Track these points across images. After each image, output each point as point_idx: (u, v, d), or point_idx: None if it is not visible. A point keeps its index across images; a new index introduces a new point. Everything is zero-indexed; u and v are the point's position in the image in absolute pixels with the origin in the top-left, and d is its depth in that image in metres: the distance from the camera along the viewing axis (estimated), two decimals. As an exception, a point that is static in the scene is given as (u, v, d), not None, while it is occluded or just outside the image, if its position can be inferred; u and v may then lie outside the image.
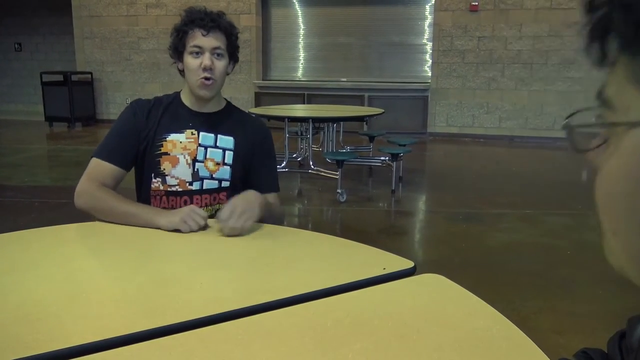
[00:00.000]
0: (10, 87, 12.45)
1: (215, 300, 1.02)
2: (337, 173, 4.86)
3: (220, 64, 1.64)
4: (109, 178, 1.60)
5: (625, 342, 0.66)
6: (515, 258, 3.49)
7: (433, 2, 8.62)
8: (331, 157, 5.07)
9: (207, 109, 1.71)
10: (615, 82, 0.39)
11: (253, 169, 1.74)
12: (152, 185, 1.67)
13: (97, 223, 1.51)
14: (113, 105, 10.28)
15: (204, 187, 1.67)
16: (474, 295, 1.04)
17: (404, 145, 5.53)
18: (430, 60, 8.81)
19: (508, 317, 0.96)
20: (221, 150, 1.69)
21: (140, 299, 1.03)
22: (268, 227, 1.49)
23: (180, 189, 1.65)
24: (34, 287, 1.07)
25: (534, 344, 0.86)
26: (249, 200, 1.48)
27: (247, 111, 1.86)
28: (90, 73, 10.12)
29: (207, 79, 1.62)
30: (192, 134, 1.67)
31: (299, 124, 6.42)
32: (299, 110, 6.78)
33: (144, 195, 1.70)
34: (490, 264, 3.37)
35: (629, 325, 0.69)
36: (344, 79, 9.20)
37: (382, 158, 5.85)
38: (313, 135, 5.95)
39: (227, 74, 1.70)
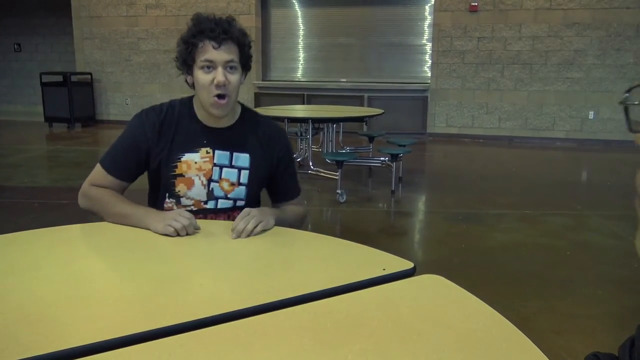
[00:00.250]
0: (9, 87, 12.46)
1: (215, 301, 1.02)
2: (337, 173, 4.86)
3: (234, 78, 1.55)
4: (110, 188, 1.59)
5: (636, 348, 0.65)
6: (514, 258, 3.49)
7: (433, 2, 8.63)
8: (331, 157, 5.08)
9: (222, 123, 1.63)
10: None
11: (274, 179, 1.72)
12: (165, 205, 1.64)
13: (96, 224, 1.51)
14: (113, 105, 10.29)
15: (219, 207, 1.64)
16: (473, 296, 1.04)
17: (404, 146, 5.53)
18: (430, 61, 8.81)
19: (507, 318, 0.96)
20: (236, 170, 1.63)
21: (140, 300, 1.03)
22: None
23: (195, 209, 1.62)
24: (33, 288, 1.07)
25: (533, 344, 0.86)
26: (263, 211, 1.49)
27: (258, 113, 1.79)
28: (90, 74, 10.13)
29: (220, 96, 1.53)
30: (207, 152, 1.61)
31: (298, 124, 6.43)
32: (299, 110, 6.78)
33: (157, 206, 1.67)
34: (489, 265, 3.37)
35: (638, 332, 0.68)
36: (344, 80, 9.21)
37: (381, 158, 5.85)
38: (313, 135, 5.95)
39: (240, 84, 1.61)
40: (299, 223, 1.73)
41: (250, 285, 1.14)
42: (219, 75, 1.51)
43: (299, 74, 9.53)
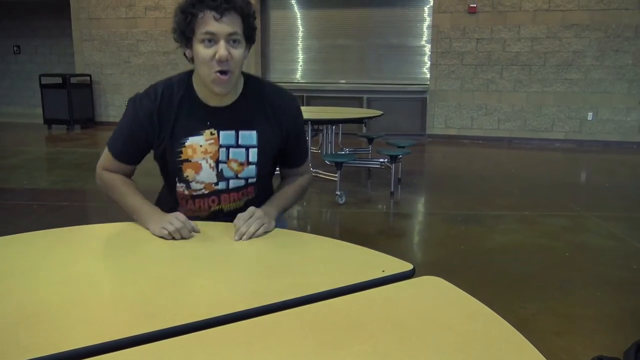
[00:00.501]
0: (9, 89, 12.46)
1: (215, 302, 1.02)
2: (336, 175, 4.87)
3: (237, 53, 1.43)
4: (120, 171, 1.61)
5: None
6: (513, 260, 3.49)
7: (431, 4, 8.64)
8: (330, 159, 5.08)
9: (225, 101, 1.54)
10: None
11: (285, 149, 1.65)
12: (177, 189, 1.62)
13: (96, 226, 1.52)
14: (112, 107, 10.29)
15: (230, 187, 1.59)
16: (472, 297, 1.04)
17: (403, 147, 5.54)
18: (429, 62, 8.82)
19: (507, 319, 0.96)
20: (244, 149, 1.56)
21: (140, 302, 1.04)
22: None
23: (207, 192, 1.59)
24: (33, 290, 1.07)
25: (532, 345, 0.87)
26: (267, 212, 1.48)
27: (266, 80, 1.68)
28: (89, 75, 10.13)
29: (222, 72, 1.42)
30: (212, 134, 1.53)
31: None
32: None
33: (169, 189, 1.66)
34: (489, 266, 3.37)
35: None
36: (343, 81, 9.21)
37: (380, 160, 5.85)
38: (312, 137, 5.95)
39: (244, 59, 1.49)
40: (302, 195, 1.73)
41: (250, 287, 1.14)
42: (221, 49, 1.40)
43: (298, 75, 9.53)
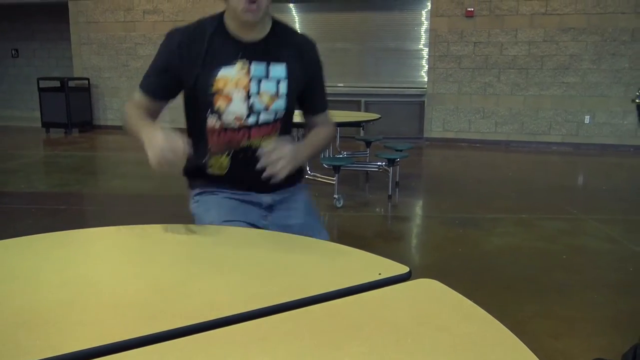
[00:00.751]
0: (7, 93, 12.47)
1: (213, 305, 1.03)
2: (334, 178, 4.88)
3: None
4: (150, 109, 1.64)
5: (639, 357, 0.66)
6: (511, 262, 3.50)
7: (429, 8, 8.67)
8: (328, 162, 5.09)
9: (255, 35, 1.62)
10: None
11: (306, 91, 1.75)
12: (208, 123, 1.65)
13: (94, 229, 1.52)
14: (110, 111, 10.30)
15: (260, 121, 1.66)
16: (468, 300, 1.05)
17: (401, 151, 5.55)
18: (427, 66, 8.85)
19: (503, 322, 0.97)
20: (274, 82, 1.64)
21: (138, 305, 1.04)
22: (264, 233, 1.51)
23: (238, 125, 1.64)
24: (32, 293, 1.08)
25: (527, 349, 0.87)
26: (298, 151, 1.56)
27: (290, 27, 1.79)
28: (88, 79, 10.14)
29: (252, 1, 1.50)
30: (243, 65, 1.61)
31: (295, 129, 6.42)
32: (296, 115, 6.77)
33: (197, 127, 1.68)
34: (486, 269, 3.38)
35: None
36: (341, 84, 9.24)
37: (378, 163, 5.86)
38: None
39: None
40: (328, 144, 1.80)
41: (247, 290, 1.15)
42: None
43: (296, 79, 9.55)
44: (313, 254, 1.37)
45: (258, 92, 1.62)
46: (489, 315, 0.99)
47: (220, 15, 1.64)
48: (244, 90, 1.60)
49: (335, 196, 4.77)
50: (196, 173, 1.76)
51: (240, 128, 1.64)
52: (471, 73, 8.57)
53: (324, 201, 4.91)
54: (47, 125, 9.75)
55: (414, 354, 0.86)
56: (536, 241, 3.91)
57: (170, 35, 1.63)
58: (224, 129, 1.65)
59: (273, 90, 1.63)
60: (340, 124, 6.25)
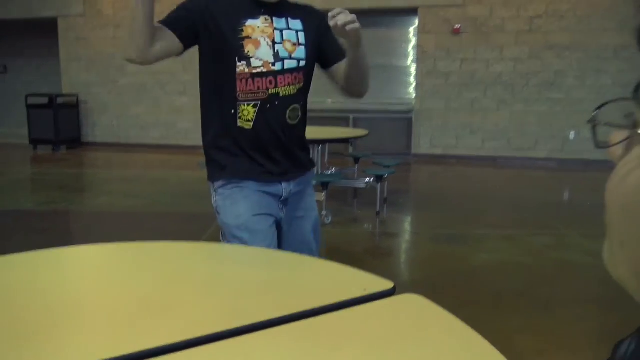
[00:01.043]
0: (-6, 109, 12.39)
1: (199, 322, 1.04)
2: (322, 195, 4.89)
3: None
4: (163, 41, 1.69)
5: None
6: (497, 278, 3.53)
7: (416, 25, 8.79)
8: (316, 179, 5.11)
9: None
10: None
11: (323, 43, 1.87)
12: (237, 69, 1.75)
13: (81, 247, 1.52)
14: (99, 127, 10.27)
15: (285, 67, 1.78)
16: (451, 315, 1.07)
17: (388, 167, 5.59)
18: (414, 82, 8.94)
19: (489, 337, 0.98)
20: (294, 32, 1.80)
21: (124, 323, 1.05)
22: (251, 250, 1.52)
23: (265, 70, 1.75)
24: (18, 312, 1.08)
25: (507, 361, 0.89)
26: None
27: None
28: (76, 95, 10.12)
29: None
30: (266, 19, 1.77)
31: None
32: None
33: (225, 76, 1.77)
34: (473, 284, 3.40)
35: (613, 353, 0.71)
36: (330, 100, 9.29)
37: (366, 179, 5.90)
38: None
39: None
40: (369, 72, 1.86)
41: (233, 307, 1.16)
42: None
43: (285, 95, 9.58)
44: (298, 270, 1.39)
45: (282, 40, 1.77)
46: (472, 330, 1.01)
47: None
48: (269, 39, 1.75)
49: (324, 212, 4.78)
50: (220, 142, 1.84)
51: (267, 73, 1.76)
52: (458, 89, 8.67)
53: (313, 217, 4.92)
54: (34, 142, 9.68)
55: (396, 369, 0.88)
56: (522, 257, 3.94)
57: None
58: (252, 75, 1.76)
59: (294, 38, 1.80)
60: (329, 141, 6.31)
